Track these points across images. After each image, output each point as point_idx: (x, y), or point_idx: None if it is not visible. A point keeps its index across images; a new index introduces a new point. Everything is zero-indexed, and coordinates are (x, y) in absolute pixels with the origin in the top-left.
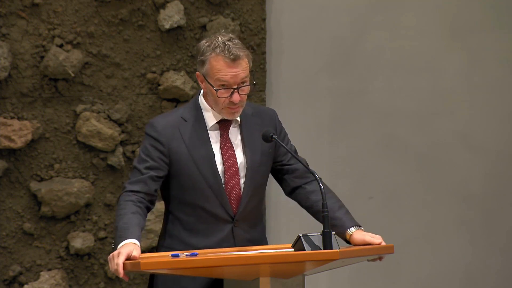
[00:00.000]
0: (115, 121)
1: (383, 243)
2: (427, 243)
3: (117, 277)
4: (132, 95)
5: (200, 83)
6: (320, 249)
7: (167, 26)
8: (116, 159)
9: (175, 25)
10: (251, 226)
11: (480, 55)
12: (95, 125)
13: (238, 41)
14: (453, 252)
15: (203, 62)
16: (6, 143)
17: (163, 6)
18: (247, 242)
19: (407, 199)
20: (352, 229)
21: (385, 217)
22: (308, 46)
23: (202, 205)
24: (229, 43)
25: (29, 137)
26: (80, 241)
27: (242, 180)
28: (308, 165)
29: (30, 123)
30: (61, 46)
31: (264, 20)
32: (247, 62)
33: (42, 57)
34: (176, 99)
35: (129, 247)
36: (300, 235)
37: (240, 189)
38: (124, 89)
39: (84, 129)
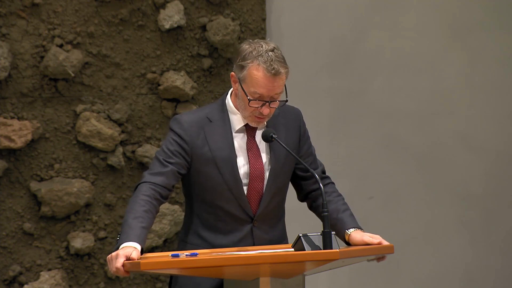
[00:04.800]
0: (115, 121)
1: (384, 242)
2: (427, 243)
3: (117, 277)
4: (132, 95)
5: (232, 83)
6: (320, 249)
7: (167, 26)
8: (116, 159)
9: (175, 25)
10: (271, 226)
11: (480, 55)
12: (95, 125)
13: (281, 52)
14: (453, 252)
15: (242, 67)
16: (6, 143)
17: (163, 6)
18: (267, 242)
19: (407, 199)
20: (351, 229)
21: (385, 217)
22: (308, 46)
23: (222, 206)
24: (272, 54)
25: (29, 137)
26: (80, 241)
27: (265, 182)
28: (323, 171)
29: (30, 123)
30: (61, 46)
31: (264, 20)
32: (285, 78)
33: (42, 57)
34: (176, 99)
35: (128, 249)
36: (300, 235)
37: (262, 191)
38: (124, 89)
39: (84, 129)
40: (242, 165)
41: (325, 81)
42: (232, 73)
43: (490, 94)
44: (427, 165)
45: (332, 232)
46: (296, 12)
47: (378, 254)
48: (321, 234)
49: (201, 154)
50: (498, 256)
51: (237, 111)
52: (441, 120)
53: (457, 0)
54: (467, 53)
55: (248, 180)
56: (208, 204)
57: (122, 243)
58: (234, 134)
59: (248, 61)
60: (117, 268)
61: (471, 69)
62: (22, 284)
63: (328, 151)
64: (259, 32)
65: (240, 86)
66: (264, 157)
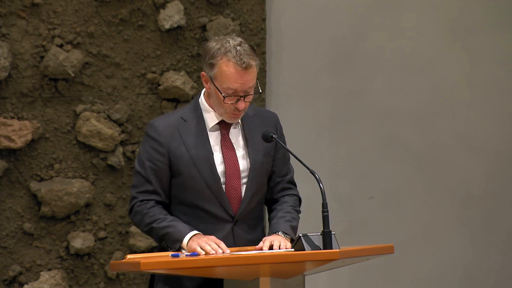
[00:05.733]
0: (115, 121)
1: (264, 248)
2: (427, 243)
3: (117, 277)
4: (132, 95)
5: (204, 82)
6: (320, 249)
7: (167, 26)
8: (116, 159)
9: (175, 25)
10: (252, 227)
11: (480, 55)
12: (95, 125)
13: (248, 46)
14: (453, 252)
15: (212, 65)
16: (6, 143)
17: (163, 6)
18: (248, 243)
19: (407, 199)
20: (279, 232)
21: (385, 217)
22: (308, 46)
23: (201, 205)
24: (240, 48)
25: (29, 137)
26: (80, 241)
27: (244, 180)
28: (291, 180)
29: (30, 123)
30: (61, 46)
31: (264, 20)
32: (256, 70)
33: (42, 57)
34: (176, 99)
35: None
36: (300, 235)
37: (240, 189)
38: (124, 89)
39: (84, 129)
40: (219, 163)
41: (325, 81)
42: (203, 72)
43: (490, 94)
44: (427, 165)
45: (333, 232)
46: (296, 12)
47: None
48: (321, 234)
49: (178, 154)
50: (498, 256)
51: (211, 109)
52: (441, 120)
53: (457, 0)
54: (467, 53)
55: (225, 179)
56: (188, 206)
57: (185, 236)
58: (208, 132)
59: (218, 58)
60: (224, 248)
61: (471, 69)
62: (22, 284)
63: (328, 151)
64: (259, 32)
65: (212, 84)
66: (240, 155)
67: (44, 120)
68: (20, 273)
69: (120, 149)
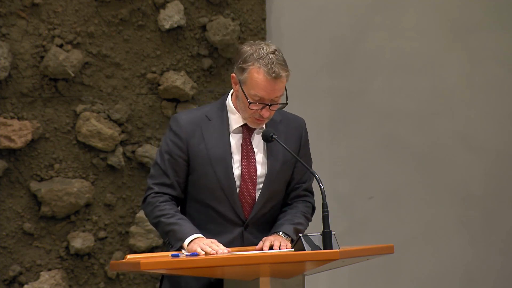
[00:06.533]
0: (115, 121)
1: (264, 248)
2: (427, 243)
3: (117, 277)
4: (132, 95)
5: (233, 84)
6: (320, 249)
7: (167, 26)
8: (116, 159)
9: (175, 25)
10: (262, 232)
11: (480, 55)
12: (95, 125)
13: (282, 55)
14: (453, 252)
15: (243, 70)
16: (6, 143)
17: (163, 6)
18: None
19: (407, 199)
20: (280, 232)
21: (385, 217)
22: (308, 46)
23: (213, 206)
24: (273, 57)
25: (29, 137)
26: (80, 241)
27: (259, 186)
28: (308, 188)
29: (30, 123)
30: (61, 46)
31: (264, 20)
32: (286, 81)
33: (42, 57)
34: (176, 99)
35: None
36: (300, 235)
37: (255, 195)
38: (124, 89)
39: (84, 129)
40: (236, 166)
41: (325, 81)
42: (233, 74)
43: (490, 94)
44: (427, 165)
45: (333, 232)
46: (296, 12)
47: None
48: (321, 234)
49: (197, 151)
50: (498, 256)
51: (237, 111)
52: (441, 120)
53: (457, 0)
54: (467, 53)
55: (240, 182)
56: (200, 204)
57: (188, 236)
58: (231, 133)
59: (249, 64)
60: (223, 249)
61: (471, 69)
62: (22, 284)
63: (328, 151)
64: (259, 32)
65: (240, 88)
66: (259, 161)
67: (44, 120)
68: (20, 273)
69: (120, 149)
